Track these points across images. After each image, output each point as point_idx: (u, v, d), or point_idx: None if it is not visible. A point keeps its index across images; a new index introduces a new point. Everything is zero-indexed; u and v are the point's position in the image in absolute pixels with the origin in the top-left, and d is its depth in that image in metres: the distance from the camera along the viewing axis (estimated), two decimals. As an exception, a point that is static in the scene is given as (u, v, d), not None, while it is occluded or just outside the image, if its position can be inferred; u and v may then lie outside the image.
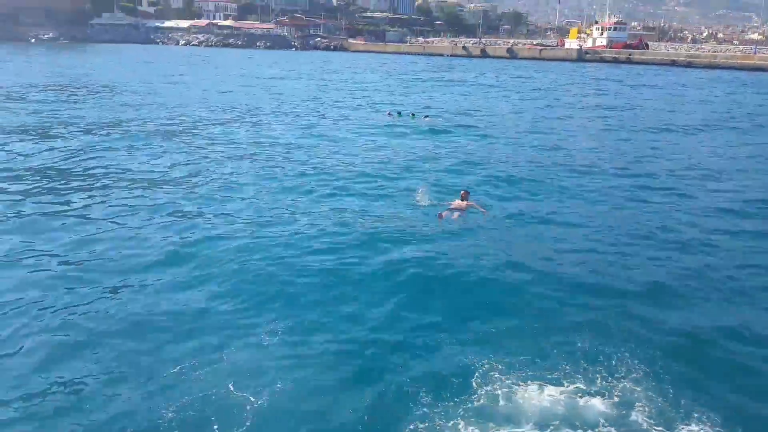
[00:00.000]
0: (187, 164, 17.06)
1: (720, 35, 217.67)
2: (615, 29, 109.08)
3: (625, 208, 14.01)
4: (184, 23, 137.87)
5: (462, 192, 13.36)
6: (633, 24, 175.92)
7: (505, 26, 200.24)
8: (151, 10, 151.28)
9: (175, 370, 6.90)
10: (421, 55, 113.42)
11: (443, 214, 12.47)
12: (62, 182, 14.80)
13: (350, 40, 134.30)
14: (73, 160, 17.20)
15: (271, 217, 12.44)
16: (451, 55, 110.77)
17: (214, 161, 17.55)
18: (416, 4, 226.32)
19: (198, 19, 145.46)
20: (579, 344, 7.66)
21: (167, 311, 8.35)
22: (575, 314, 8.60)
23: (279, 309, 8.50)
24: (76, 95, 33.64)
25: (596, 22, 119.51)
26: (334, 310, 8.53)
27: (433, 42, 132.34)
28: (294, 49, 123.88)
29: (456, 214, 12.50)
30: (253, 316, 8.30)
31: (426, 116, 27.98)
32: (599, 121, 29.73)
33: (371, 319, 8.30)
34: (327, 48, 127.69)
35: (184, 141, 20.66)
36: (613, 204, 14.36)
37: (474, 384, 6.75)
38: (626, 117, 31.28)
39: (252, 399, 6.38)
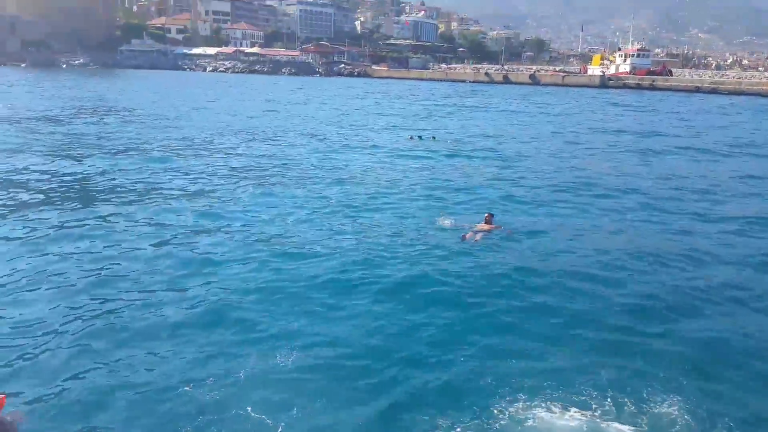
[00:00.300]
0: (211, 185, 17.24)
1: (745, 62, 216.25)
2: (638, 56, 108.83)
3: (649, 231, 13.77)
4: (212, 50, 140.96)
5: (486, 215, 13.26)
6: (656, 51, 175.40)
7: (528, 53, 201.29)
8: (180, 37, 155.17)
9: (188, 388, 6.83)
10: (444, 81, 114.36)
11: (467, 236, 12.37)
12: (91, 200, 15.01)
13: (373, 67, 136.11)
14: (102, 179, 17.51)
15: (292, 236, 12.45)
16: (473, 81, 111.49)
17: (239, 183, 17.71)
18: (439, 31, 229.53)
19: (225, 46, 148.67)
20: (605, 366, 7.45)
21: (184, 327, 8.34)
22: (600, 335, 8.38)
23: (297, 327, 8.42)
24: (105, 118, 34.41)
25: (619, 49, 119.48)
26: (352, 330, 8.41)
27: (455, 68, 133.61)
28: (318, 75, 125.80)
29: (479, 236, 12.39)
30: (271, 333, 8.22)
31: (447, 140, 28.05)
32: (621, 145, 29.44)
33: (391, 340, 8.16)
34: (350, 74, 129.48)
35: (210, 163, 20.92)
36: (635, 226, 14.12)
37: (494, 407, 6.56)
38: (648, 142, 30.93)
39: (269, 422, 6.27)
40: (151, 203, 14.93)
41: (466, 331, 8.50)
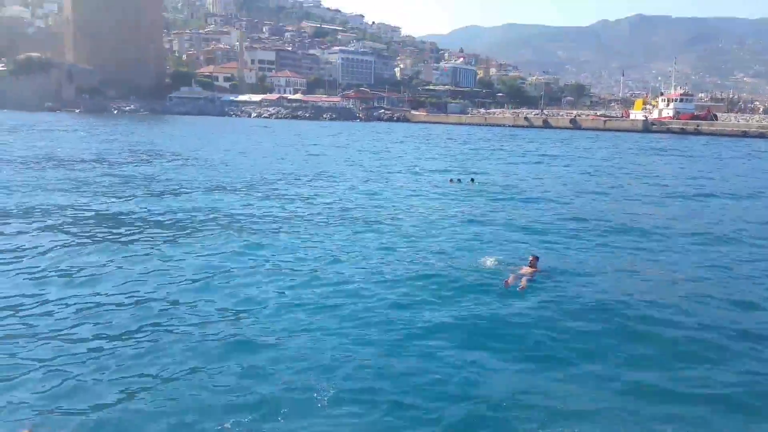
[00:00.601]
0: (252, 225, 17.48)
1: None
2: (682, 100, 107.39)
3: (694, 276, 13.32)
4: (257, 97, 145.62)
5: (531, 258, 13.03)
6: (700, 95, 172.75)
7: (568, 98, 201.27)
8: (227, 85, 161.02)
9: (228, 426, 6.83)
10: (483, 125, 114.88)
11: (509, 280, 12.12)
12: (139, 238, 15.41)
13: (413, 112, 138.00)
14: (149, 218, 18.00)
15: (330, 276, 12.46)
16: (512, 126, 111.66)
17: (279, 223, 17.93)
18: (477, 77, 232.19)
19: (270, 93, 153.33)
20: (657, 413, 7.14)
21: (224, 360, 8.38)
22: (647, 384, 8.07)
23: (335, 365, 8.36)
24: (155, 162, 35.67)
25: (662, 94, 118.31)
26: (390, 369, 8.30)
27: (494, 113, 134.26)
28: (358, 120, 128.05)
29: (524, 280, 12.14)
30: (310, 370, 8.19)
31: (486, 183, 28.03)
32: (666, 189, 28.83)
33: (430, 383, 7.99)
34: (390, 119, 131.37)
35: (251, 204, 21.29)
36: (679, 271, 13.66)
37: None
38: (693, 186, 30.23)
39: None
40: (195, 242, 15.22)
41: (508, 378, 8.29)
